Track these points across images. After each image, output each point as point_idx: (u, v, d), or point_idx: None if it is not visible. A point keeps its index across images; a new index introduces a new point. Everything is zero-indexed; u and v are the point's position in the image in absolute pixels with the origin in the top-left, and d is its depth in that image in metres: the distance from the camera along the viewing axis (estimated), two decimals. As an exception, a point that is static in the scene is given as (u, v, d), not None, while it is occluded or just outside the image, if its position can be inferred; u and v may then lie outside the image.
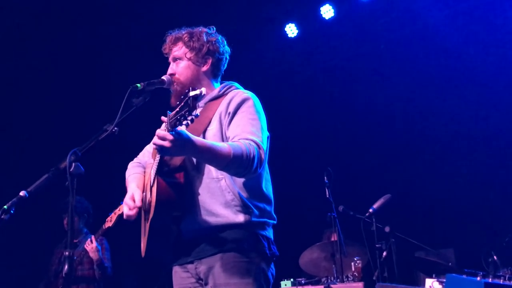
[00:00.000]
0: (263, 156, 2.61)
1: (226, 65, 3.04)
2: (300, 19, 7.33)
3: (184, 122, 2.29)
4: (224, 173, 2.64)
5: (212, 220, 2.65)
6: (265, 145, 2.69)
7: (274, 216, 2.84)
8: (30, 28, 6.61)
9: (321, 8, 7.04)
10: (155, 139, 2.36)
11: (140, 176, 3.01)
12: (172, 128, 2.33)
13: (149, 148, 3.12)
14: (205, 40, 2.91)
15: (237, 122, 2.71)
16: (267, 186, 2.85)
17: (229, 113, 2.75)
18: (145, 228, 2.79)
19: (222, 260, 2.64)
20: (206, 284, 2.69)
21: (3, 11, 6.32)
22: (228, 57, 3.03)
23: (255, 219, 2.70)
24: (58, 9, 6.53)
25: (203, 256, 2.68)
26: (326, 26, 7.15)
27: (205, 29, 2.97)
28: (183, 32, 2.94)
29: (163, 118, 2.44)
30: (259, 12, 7.08)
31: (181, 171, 2.69)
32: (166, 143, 2.33)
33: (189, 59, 2.90)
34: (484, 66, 6.44)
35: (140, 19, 6.74)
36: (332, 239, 6.07)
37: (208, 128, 2.77)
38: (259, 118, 2.75)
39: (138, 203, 2.77)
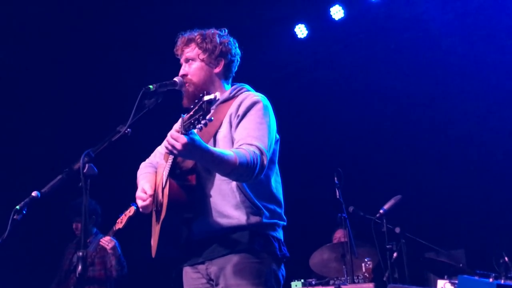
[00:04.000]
0: (265, 162, 2.62)
1: (237, 67, 3.06)
2: (310, 19, 7.32)
3: (198, 126, 2.31)
4: None
5: (223, 221, 2.67)
6: (269, 150, 2.70)
7: (284, 217, 2.86)
8: (46, 28, 6.63)
9: (331, 9, 7.01)
10: (169, 138, 2.39)
11: (151, 175, 3.04)
12: (185, 131, 2.35)
13: (160, 150, 3.14)
14: (217, 41, 2.93)
15: (245, 125, 2.72)
16: (278, 188, 2.86)
17: (238, 115, 2.76)
18: (156, 229, 2.81)
19: (233, 261, 2.65)
20: (217, 284, 2.70)
21: (17, 10, 6.36)
22: (239, 59, 3.05)
23: (266, 220, 2.72)
24: (72, 9, 6.56)
25: (214, 257, 2.70)
26: (336, 27, 7.13)
27: (217, 31, 2.98)
28: (196, 34, 2.96)
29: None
30: (268, 13, 7.07)
31: (193, 173, 2.70)
32: (178, 145, 2.36)
33: (202, 60, 2.92)
34: (497, 68, 6.39)
35: (152, 20, 6.76)
36: (338, 235, 6.08)
37: (219, 130, 2.79)
38: (266, 122, 2.76)
39: (150, 191, 2.82)
